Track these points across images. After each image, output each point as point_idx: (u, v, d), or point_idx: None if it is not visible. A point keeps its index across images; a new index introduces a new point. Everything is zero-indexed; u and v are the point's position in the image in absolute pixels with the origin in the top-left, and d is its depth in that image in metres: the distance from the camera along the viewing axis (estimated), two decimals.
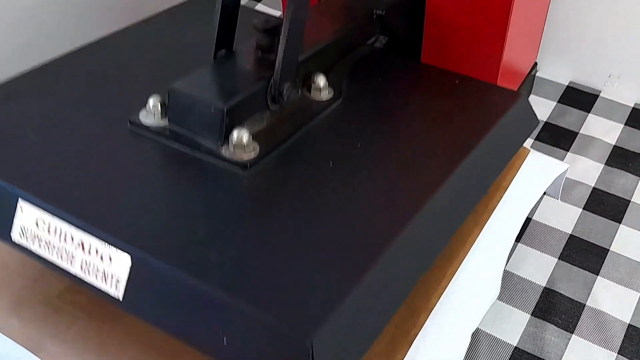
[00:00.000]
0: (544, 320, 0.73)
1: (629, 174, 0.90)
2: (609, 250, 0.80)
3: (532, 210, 0.81)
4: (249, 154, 0.57)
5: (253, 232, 0.52)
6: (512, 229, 0.70)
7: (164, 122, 0.60)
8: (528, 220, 0.83)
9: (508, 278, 0.76)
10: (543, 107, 0.99)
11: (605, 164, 0.91)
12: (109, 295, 0.50)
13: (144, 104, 0.61)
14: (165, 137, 0.59)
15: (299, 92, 0.66)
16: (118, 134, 0.60)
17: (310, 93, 0.66)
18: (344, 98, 0.67)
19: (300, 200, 0.55)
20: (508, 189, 0.71)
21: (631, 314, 0.73)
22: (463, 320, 0.62)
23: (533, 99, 1.01)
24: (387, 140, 0.63)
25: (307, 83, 0.66)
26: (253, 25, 0.63)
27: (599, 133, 0.95)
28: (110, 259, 0.49)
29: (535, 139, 0.95)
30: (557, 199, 0.79)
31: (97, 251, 0.50)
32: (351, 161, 0.60)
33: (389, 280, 0.50)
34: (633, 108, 0.98)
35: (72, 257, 0.51)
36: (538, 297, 0.75)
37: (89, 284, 0.51)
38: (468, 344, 0.62)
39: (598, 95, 1.01)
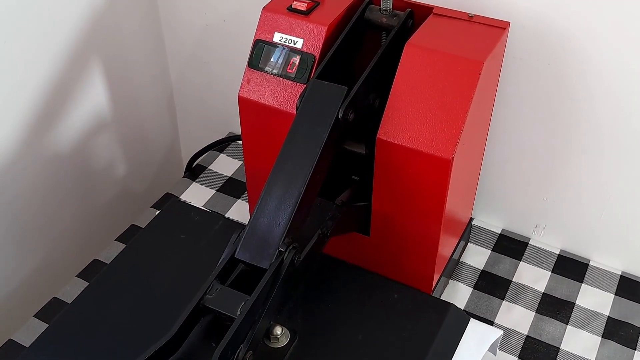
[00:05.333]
0: None
1: (557, 321, 1.00)
2: None
3: None
4: None
5: None
6: None
7: None
8: None
9: None
10: (479, 256, 1.10)
11: (536, 312, 1.02)
12: None
13: None
14: None
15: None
16: None
17: (269, 341, 0.73)
18: (299, 335, 0.75)
19: None
20: (454, 354, 0.80)
21: None
22: None
23: (470, 247, 1.12)
24: None
25: (266, 334, 0.73)
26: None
27: (530, 281, 1.06)
28: None
29: (474, 288, 1.05)
30: (495, 355, 0.88)
31: None
32: None
33: None
34: (558, 255, 1.10)
35: None
36: None
37: None
38: None
39: (528, 243, 1.12)
